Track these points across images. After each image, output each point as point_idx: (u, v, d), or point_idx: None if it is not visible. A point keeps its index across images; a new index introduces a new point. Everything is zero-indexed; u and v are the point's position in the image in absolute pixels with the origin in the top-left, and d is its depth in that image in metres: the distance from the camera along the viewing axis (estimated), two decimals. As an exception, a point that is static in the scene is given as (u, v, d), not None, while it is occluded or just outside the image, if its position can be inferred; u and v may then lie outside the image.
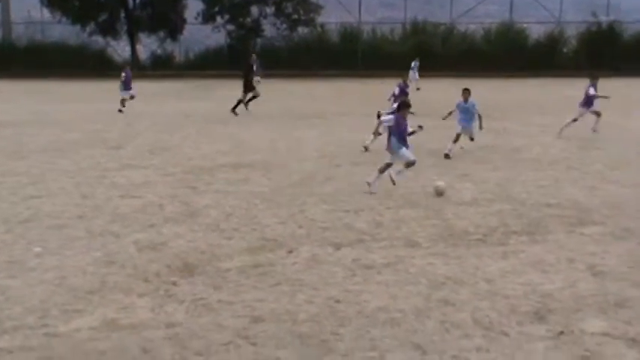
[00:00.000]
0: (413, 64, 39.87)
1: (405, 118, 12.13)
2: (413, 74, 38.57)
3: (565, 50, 58.53)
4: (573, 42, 58.54)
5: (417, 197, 11.73)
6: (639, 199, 11.63)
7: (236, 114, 25.80)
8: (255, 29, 58.40)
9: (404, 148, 12.05)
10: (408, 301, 6.90)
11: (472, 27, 58.85)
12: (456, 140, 15.90)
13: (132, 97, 27.02)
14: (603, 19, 57.94)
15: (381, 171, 12.22)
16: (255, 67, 27.34)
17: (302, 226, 9.88)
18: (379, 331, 6.16)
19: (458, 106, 16.10)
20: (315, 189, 12.46)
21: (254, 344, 5.92)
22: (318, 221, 10.17)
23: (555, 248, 8.77)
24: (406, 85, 22.53)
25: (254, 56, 28.79)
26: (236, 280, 7.59)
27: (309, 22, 58.06)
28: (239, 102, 26.59)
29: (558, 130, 19.38)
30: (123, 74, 27.33)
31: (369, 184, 12.14)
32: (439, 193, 11.72)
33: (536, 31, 58.29)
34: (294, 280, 7.60)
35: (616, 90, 38.58)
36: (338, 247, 8.86)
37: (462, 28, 59.05)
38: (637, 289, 7.23)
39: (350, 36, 57.96)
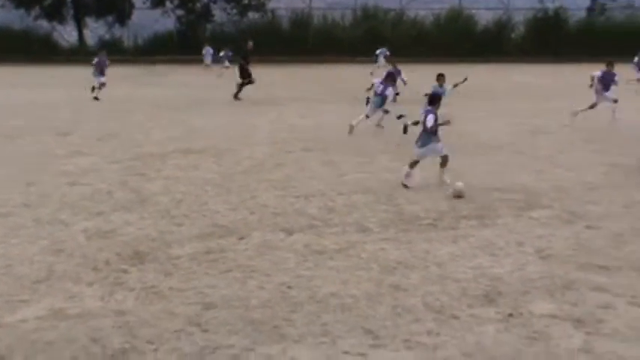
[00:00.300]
0: (378, 51, 40.36)
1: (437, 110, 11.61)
2: (380, 61, 39.31)
3: (513, 36, 59.37)
4: (521, 28, 59.41)
5: (369, 182, 11.76)
6: (585, 182, 11.83)
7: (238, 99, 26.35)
8: (205, 14, 58.00)
9: (425, 147, 11.43)
10: (360, 287, 6.92)
11: (422, 13, 59.29)
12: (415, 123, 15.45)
13: (102, 85, 26.52)
14: (549, 5, 58.88)
15: (443, 165, 11.61)
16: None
17: (253, 212, 9.84)
18: (331, 317, 6.17)
19: (432, 91, 15.52)
20: (267, 175, 12.42)
21: (206, 331, 5.88)
22: (270, 207, 10.14)
23: (504, 232, 8.87)
24: (398, 72, 22.57)
25: (250, 43, 28.14)
26: (187, 267, 7.53)
27: (260, 8, 57.88)
28: (243, 84, 26.90)
29: (612, 119, 18.73)
30: (95, 59, 27.14)
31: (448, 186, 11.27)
32: (458, 194, 10.71)
33: (484, 17, 58.92)
34: (246, 266, 7.57)
35: (561, 75, 39.30)
36: (290, 232, 8.84)
37: (411, 13, 59.43)
38: (582, 272, 7.35)
39: (300, 21, 57.91)
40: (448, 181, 11.28)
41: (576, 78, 37.68)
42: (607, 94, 18.93)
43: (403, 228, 9.06)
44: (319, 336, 5.79)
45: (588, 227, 9.10)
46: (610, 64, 19.24)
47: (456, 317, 6.16)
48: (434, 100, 11.77)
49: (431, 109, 11.53)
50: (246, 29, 56.44)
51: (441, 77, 15.68)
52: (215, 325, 6.00)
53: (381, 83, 17.53)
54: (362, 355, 5.48)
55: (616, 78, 19.05)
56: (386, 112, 17.35)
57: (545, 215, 9.70)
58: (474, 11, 59.49)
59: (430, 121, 11.38)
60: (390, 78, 18.24)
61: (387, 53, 40.20)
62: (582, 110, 19.00)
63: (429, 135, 11.49)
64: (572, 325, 6.02)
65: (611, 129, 18.17)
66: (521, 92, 29.47)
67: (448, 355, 5.45)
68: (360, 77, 37.81)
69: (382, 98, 17.04)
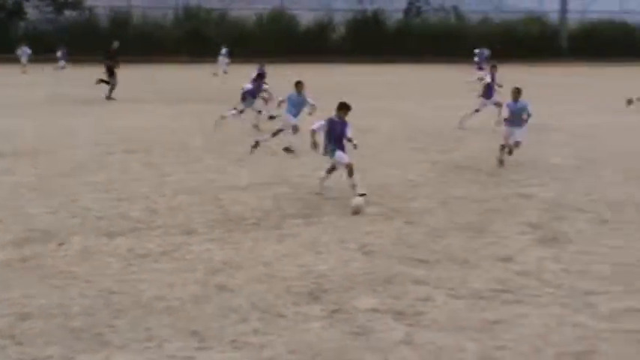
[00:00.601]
0: (224, 51, 40.30)
1: (340, 119, 10.90)
2: (222, 60, 39.29)
3: (334, 37, 60.72)
4: (341, 29, 60.88)
5: (193, 184, 11.63)
6: (405, 180, 12.25)
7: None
8: (18, 12, 55.35)
9: (338, 152, 10.76)
10: (186, 289, 6.82)
11: (245, 13, 59.46)
12: (275, 134, 15.03)
13: None
14: (368, 7, 60.76)
15: (328, 172, 11.05)
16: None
17: (74, 216, 9.49)
18: (156, 321, 6.04)
19: (290, 97, 15.26)
20: (88, 177, 12.02)
21: (20, 343, 5.58)
22: (92, 210, 9.82)
23: (329, 230, 9.02)
24: (263, 71, 22.64)
25: (116, 43, 27.50)
26: (0, 276, 7.13)
27: (77, 5, 55.96)
28: (110, 85, 26.31)
29: (458, 123, 18.63)
30: None
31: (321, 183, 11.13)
32: (356, 210, 9.95)
33: (306, 18, 59.88)
34: (66, 272, 7.28)
35: (381, 75, 40.63)
36: (112, 236, 8.59)
37: (235, 13, 59.49)
38: (403, 266, 7.60)
39: (120, 20, 56.51)
40: (358, 189, 10.48)
41: (397, 77, 39.18)
42: (492, 99, 19.08)
43: (229, 228, 9.03)
44: (144, 341, 5.66)
45: (408, 223, 9.42)
46: (494, 67, 20.14)
47: (282, 316, 6.20)
48: (339, 107, 11.06)
49: (329, 118, 10.99)
50: (63, 28, 54.42)
51: (299, 84, 15.38)
52: (31, 336, 5.71)
53: (251, 84, 17.89)
54: (189, 358, 5.41)
55: (496, 86, 19.49)
56: (259, 112, 18.02)
57: (368, 212, 9.94)
58: (296, 12, 60.35)
59: (314, 125, 10.96)
60: (260, 77, 18.60)
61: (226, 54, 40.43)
62: (468, 114, 18.78)
63: (333, 144, 10.86)
64: (393, 318, 6.20)
65: (432, 128, 18.88)
66: (343, 92, 30.07)
67: (274, 354, 5.47)
68: (183, 78, 37.44)
69: (253, 97, 17.51)
